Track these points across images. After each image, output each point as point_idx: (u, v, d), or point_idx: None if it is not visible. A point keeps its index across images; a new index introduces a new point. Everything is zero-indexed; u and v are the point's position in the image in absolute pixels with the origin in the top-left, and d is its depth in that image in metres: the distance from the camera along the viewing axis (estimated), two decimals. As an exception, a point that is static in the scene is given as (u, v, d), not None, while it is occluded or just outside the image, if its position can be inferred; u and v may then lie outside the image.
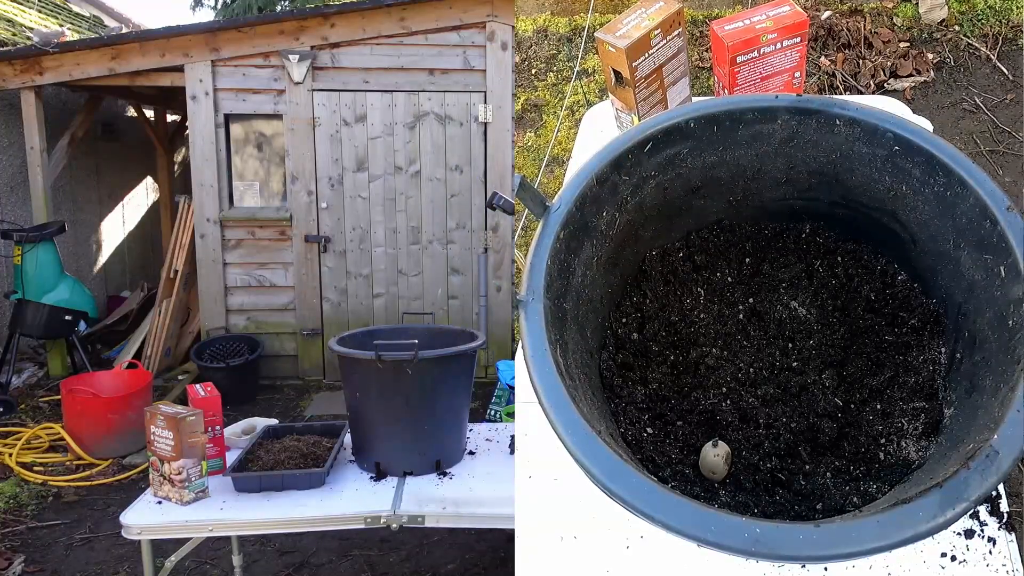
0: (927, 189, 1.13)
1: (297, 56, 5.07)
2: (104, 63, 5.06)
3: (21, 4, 7.04)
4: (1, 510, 3.43)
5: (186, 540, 2.19)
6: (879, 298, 1.30)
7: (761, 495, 1.13)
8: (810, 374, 1.26)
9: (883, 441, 1.16)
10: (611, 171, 1.16)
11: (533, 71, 5.02)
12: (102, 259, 6.89)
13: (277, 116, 5.25)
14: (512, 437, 2.45)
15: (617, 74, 1.69)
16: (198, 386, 2.21)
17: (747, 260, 1.39)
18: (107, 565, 3.01)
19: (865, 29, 4.62)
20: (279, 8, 10.63)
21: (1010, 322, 0.99)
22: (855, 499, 1.09)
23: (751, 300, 1.36)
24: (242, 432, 2.44)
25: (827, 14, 4.71)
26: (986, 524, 1.10)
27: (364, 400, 2.16)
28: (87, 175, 6.61)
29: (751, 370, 1.28)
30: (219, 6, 11.18)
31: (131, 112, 6.95)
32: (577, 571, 1.14)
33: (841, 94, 3.55)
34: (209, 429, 2.13)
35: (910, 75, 4.49)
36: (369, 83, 5.21)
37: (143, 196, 7.69)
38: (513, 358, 3.53)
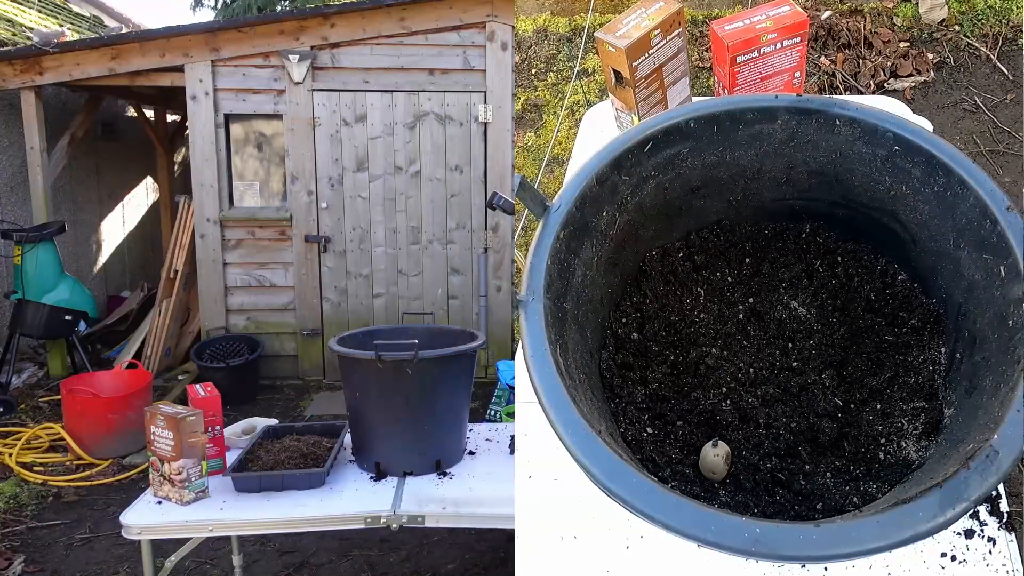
0: (927, 189, 1.13)
1: (297, 56, 5.07)
2: (104, 63, 5.06)
3: (21, 4, 7.04)
4: (1, 510, 3.43)
5: (186, 540, 2.19)
6: (879, 298, 1.30)
7: (761, 495, 1.13)
8: (810, 374, 1.26)
9: (883, 441, 1.16)
10: (611, 171, 1.16)
11: (533, 71, 5.02)
12: (102, 259, 6.89)
13: (277, 116, 5.25)
14: (512, 437, 2.45)
15: (617, 74, 1.69)
16: (198, 386, 2.21)
17: (747, 260, 1.39)
18: (107, 565, 3.01)
19: (865, 29, 4.62)
20: (279, 8, 10.63)
21: (1010, 322, 0.99)
22: (855, 499, 1.09)
23: (751, 300, 1.36)
24: (242, 432, 2.44)
25: (827, 14, 4.71)
26: (986, 524, 1.10)
27: (364, 400, 2.16)
28: (87, 175, 6.61)
29: (751, 370, 1.28)
30: (219, 6, 11.18)
31: (131, 112, 6.95)
32: (577, 571, 1.14)
33: (841, 94, 3.55)
34: (209, 429, 2.13)
35: (910, 75, 4.49)
36: (369, 83, 5.21)
37: (143, 196, 7.69)
38: (513, 358, 3.53)
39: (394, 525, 1.94)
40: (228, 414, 3.74)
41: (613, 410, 1.19)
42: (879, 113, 1.16)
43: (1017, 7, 4.58)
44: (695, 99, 1.55)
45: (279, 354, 5.44)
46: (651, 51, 1.65)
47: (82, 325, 5.06)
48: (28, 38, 5.89)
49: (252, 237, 5.33)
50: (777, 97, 1.20)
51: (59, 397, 4.16)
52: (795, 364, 1.28)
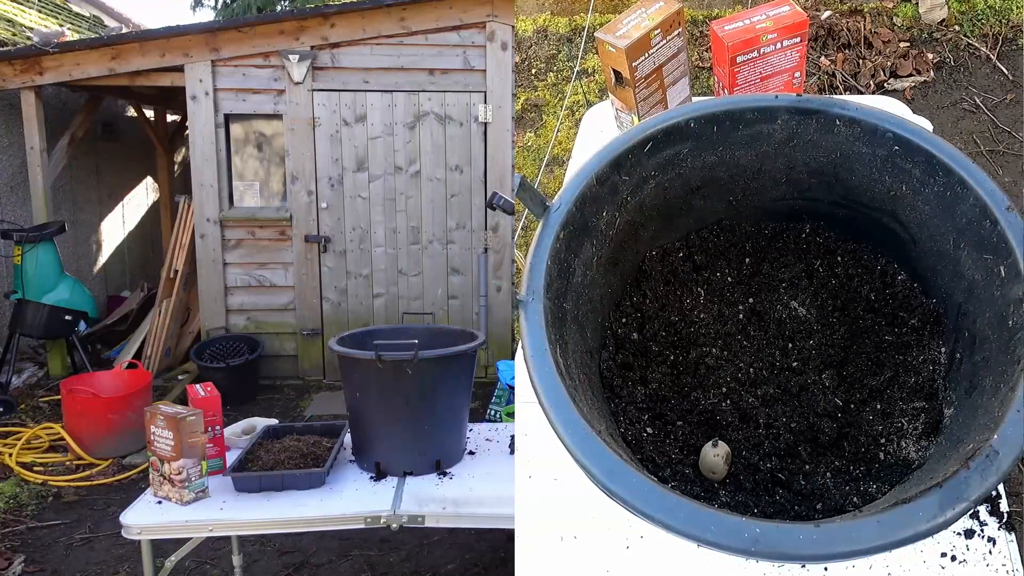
0: (927, 189, 1.13)
1: (297, 56, 5.07)
2: (104, 63, 5.06)
3: (21, 4, 7.04)
4: (1, 510, 3.43)
5: (186, 540, 2.19)
6: (879, 298, 1.30)
7: (761, 495, 1.13)
8: (810, 374, 1.26)
9: (883, 441, 1.16)
10: (611, 171, 1.16)
11: (533, 71, 5.02)
12: (102, 259, 6.89)
13: (277, 116, 5.25)
14: (512, 437, 2.45)
15: (617, 74, 1.69)
16: (198, 386, 2.21)
17: (747, 260, 1.39)
18: (107, 565, 3.01)
19: (865, 29, 4.62)
20: (279, 8, 10.63)
21: (1010, 322, 0.99)
22: (855, 499, 1.09)
23: (751, 300, 1.36)
24: (242, 432, 2.44)
25: (827, 14, 4.71)
26: (986, 524, 1.10)
27: (364, 400, 2.16)
28: (87, 175, 6.61)
29: (751, 370, 1.28)
30: (219, 6, 11.18)
31: (131, 112, 6.95)
32: (577, 571, 1.14)
33: (841, 94, 3.55)
34: (209, 429, 2.13)
35: (910, 75, 4.49)
36: (369, 83, 5.21)
37: (143, 196, 7.69)
38: (513, 358, 3.53)
39: (394, 525, 1.94)
40: (228, 414, 3.74)
41: (613, 410, 1.19)
42: (879, 113, 1.16)
43: (1017, 7, 4.58)
44: (695, 99, 1.55)
45: (279, 354, 5.44)
46: (651, 51, 1.65)
47: (82, 325, 5.06)
48: (28, 38, 5.89)
49: (252, 237, 5.33)
50: (777, 97, 1.20)
51: (59, 397, 4.16)
52: (795, 364, 1.28)
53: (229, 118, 5.25)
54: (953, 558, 1.09)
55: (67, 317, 4.90)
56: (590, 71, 4.84)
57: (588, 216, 1.15)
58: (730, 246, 1.39)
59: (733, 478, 1.15)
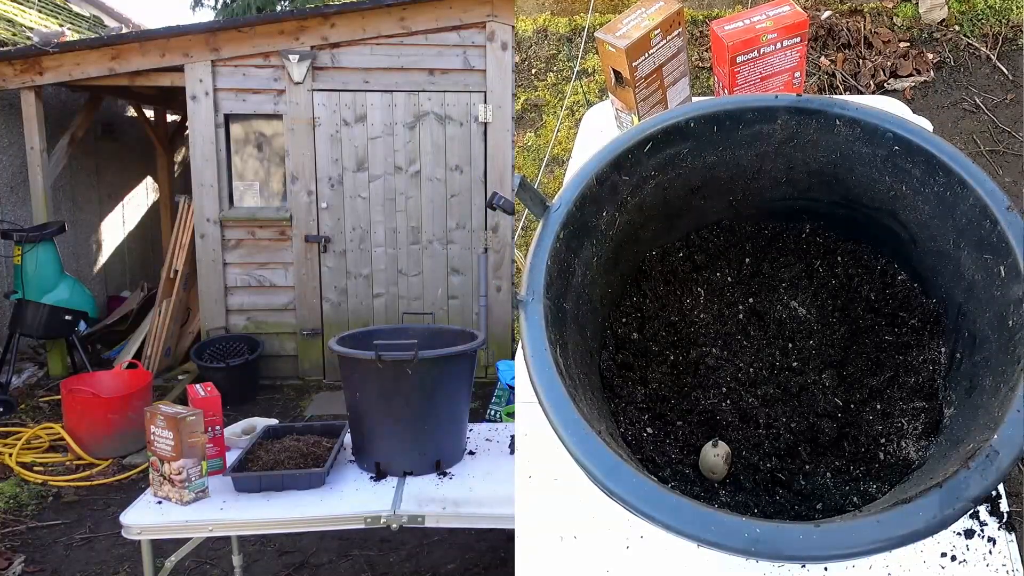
0: (927, 189, 1.13)
1: (297, 56, 5.07)
2: (104, 63, 5.06)
3: (21, 4, 7.04)
4: (1, 510, 3.43)
5: (186, 540, 2.19)
6: (879, 298, 1.30)
7: (761, 495, 1.13)
8: (810, 374, 1.26)
9: (883, 441, 1.16)
10: (611, 171, 1.16)
11: (533, 71, 5.02)
12: (102, 259, 6.89)
13: (277, 116, 5.25)
14: (512, 437, 2.45)
15: (617, 74, 1.69)
16: (198, 386, 2.21)
17: (747, 260, 1.39)
18: (107, 565, 3.01)
19: (865, 29, 4.62)
20: (279, 8, 10.63)
21: (1010, 322, 0.99)
22: (855, 499, 1.09)
23: (751, 300, 1.36)
24: (242, 432, 2.44)
25: (827, 14, 4.71)
26: (986, 524, 1.10)
27: (364, 400, 2.16)
28: (87, 175, 6.61)
29: (751, 370, 1.28)
30: (219, 6, 11.18)
31: (131, 112, 6.95)
32: (577, 571, 1.14)
33: (841, 94, 3.55)
34: (209, 429, 2.13)
35: (910, 75, 4.49)
36: (369, 83, 5.21)
37: (143, 196, 7.69)
38: (513, 358, 3.53)
39: (394, 525, 1.94)
40: (228, 414, 3.74)
41: (613, 410, 1.19)
42: (879, 113, 1.16)
43: (1017, 7, 4.58)
44: (695, 99, 1.55)
45: (279, 354, 5.44)
46: (651, 51, 1.65)
47: (82, 325, 5.06)
48: (28, 38, 5.89)
49: (252, 237, 5.33)
50: (777, 97, 1.20)
51: (59, 397, 4.16)
52: (795, 364, 1.28)
53: (229, 118, 5.25)
54: (953, 558, 1.09)
55: (67, 317, 4.90)
56: (590, 71, 4.84)
57: (588, 216, 1.15)
58: (730, 246, 1.39)
59: (733, 478, 1.15)
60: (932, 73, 4.48)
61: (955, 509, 0.83)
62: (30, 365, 5.34)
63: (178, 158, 7.46)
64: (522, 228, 4.22)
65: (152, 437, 2.00)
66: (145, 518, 1.92)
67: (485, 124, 5.27)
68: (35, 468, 3.86)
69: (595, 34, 1.67)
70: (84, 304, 5.05)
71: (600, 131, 1.92)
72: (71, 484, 3.73)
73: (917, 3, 4.70)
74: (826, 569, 1.10)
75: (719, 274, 1.38)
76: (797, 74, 1.78)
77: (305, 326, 5.40)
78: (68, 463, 3.95)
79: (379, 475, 2.15)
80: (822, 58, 4.58)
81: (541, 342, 0.99)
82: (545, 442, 1.25)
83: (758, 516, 1.07)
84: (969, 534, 1.10)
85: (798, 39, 1.71)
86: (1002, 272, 1.02)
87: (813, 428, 1.19)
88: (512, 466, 1.94)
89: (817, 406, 1.21)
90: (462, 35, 5.19)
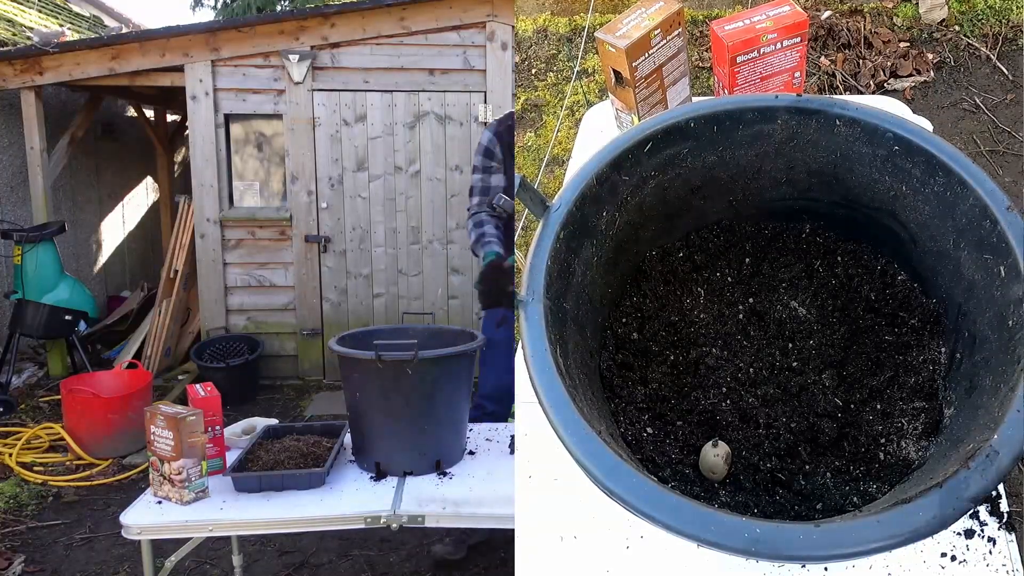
0: (927, 189, 1.13)
1: (297, 56, 5.07)
2: (104, 63, 5.06)
3: (21, 4, 7.04)
4: (1, 510, 3.43)
5: (186, 540, 2.18)
6: (879, 298, 1.30)
7: (761, 495, 1.13)
8: (810, 374, 1.26)
9: (883, 441, 1.16)
10: (611, 171, 1.16)
11: (533, 71, 5.02)
12: (102, 259, 6.89)
13: (277, 116, 5.25)
14: (512, 437, 2.45)
15: (617, 74, 1.69)
16: (198, 386, 2.21)
17: (747, 260, 1.39)
18: (107, 565, 3.01)
19: (865, 29, 4.62)
20: (279, 8, 10.63)
21: (1010, 322, 0.99)
22: (855, 499, 1.09)
23: (751, 300, 1.36)
24: (242, 432, 2.44)
25: (827, 14, 4.71)
26: (986, 524, 1.10)
27: (364, 400, 2.16)
28: (87, 175, 6.61)
29: (751, 370, 1.28)
30: (219, 6, 11.18)
31: (131, 112, 6.95)
32: (577, 571, 1.14)
33: (841, 94, 3.55)
34: (209, 429, 2.13)
35: (910, 75, 4.49)
36: (369, 83, 5.21)
37: (143, 196, 7.69)
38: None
39: (394, 525, 1.94)
40: (228, 414, 3.73)
41: (613, 410, 1.19)
42: (879, 113, 1.16)
43: (1017, 7, 4.58)
44: (695, 99, 1.55)
45: (279, 354, 5.44)
46: (651, 51, 1.65)
47: (82, 325, 5.06)
48: (28, 38, 5.89)
49: (252, 237, 5.33)
50: (777, 97, 1.20)
51: (59, 397, 4.16)
52: (795, 364, 1.28)
53: (229, 118, 5.25)
54: (953, 558, 1.09)
55: (67, 317, 4.90)
56: (590, 71, 4.84)
57: (588, 216, 1.15)
58: (730, 246, 1.39)
59: (733, 478, 1.15)
60: (932, 73, 4.48)
61: (955, 509, 0.83)
62: (30, 365, 5.34)
63: (178, 158, 7.46)
64: (522, 228, 4.22)
65: (152, 437, 2.00)
66: (145, 518, 1.92)
67: (485, 124, 5.26)
68: (35, 468, 3.86)
69: (595, 34, 1.67)
70: (84, 304, 5.05)
71: (600, 131, 1.92)
72: (71, 484, 3.73)
73: (917, 3, 4.70)
74: (826, 569, 1.10)
75: (719, 274, 1.38)
76: (797, 74, 1.78)
77: (305, 326, 5.40)
78: (68, 463, 3.95)
79: (379, 475, 2.15)
80: (822, 58, 4.58)
81: (541, 342, 0.99)
82: (545, 442, 1.25)
83: (758, 516, 1.07)
84: (969, 534, 1.10)
85: (798, 39, 1.71)
86: (1002, 272, 1.02)
87: (813, 428, 1.19)
88: (512, 466, 1.94)
89: (817, 406, 1.21)
90: (462, 35, 5.19)
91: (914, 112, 1.69)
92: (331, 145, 5.26)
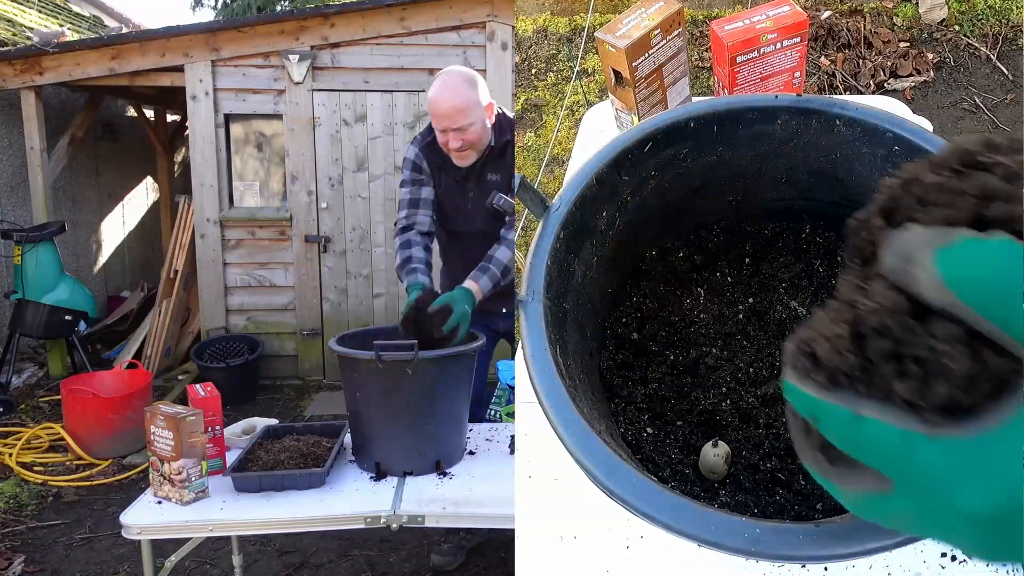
0: (927, 189, 1.12)
1: (297, 56, 5.07)
2: (104, 63, 5.06)
3: (21, 4, 7.04)
4: (1, 510, 3.43)
5: (186, 540, 2.19)
6: (879, 298, 1.29)
7: (761, 495, 1.13)
8: (810, 374, 1.26)
9: (883, 441, 1.15)
10: (611, 171, 1.16)
11: (533, 71, 5.02)
12: (102, 259, 6.89)
13: (277, 116, 5.25)
14: (512, 437, 2.45)
15: (617, 74, 1.69)
16: (198, 386, 2.21)
17: (747, 260, 1.39)
18: (107, 565, 3.01)
19: (865, 29, 4.62)
20: (279, 8, 10.63)
21: (1010, 322, 0.99)
22: (855, 499, 1.09)
23: (751, 300, 1.36)
24: (242, 432, 2.44)
25: (827, 14, 4.71)
26: (986, 524, 1.10)
27: (364, 400, 2.16)
28: (87, 175, 6.61)
29: (751, 370, 1.28)
30: (219, 6, 11.19)
31: (131, 112, 6.95)
32: (577, 571, 1.14)
33: (841, 94, 3.55)
34: (209, 429, 2.13)
35: (910, 75, 4.49)
36: (369, 83, 5.21)
37: (143, 196, 7.69)
38: (513, 358, 3.53)
39: (394, 525, 1.94)
40: (228, 414, 3.74)
41: (613, 410, 1.19)
42: (879, 113, 1.16)
43: (1017, 7, 4.58)
44: (695, 99, 1.55)
45: (279, 354, 5.44)
46: (651, 51, 1.65)
47: (82, 325, 5.06)
48: (28, 38, 5.89)
49: (252, 237, 5.33)
50: (777, 97, 1.20)
51: (59, 397, 4.16)
52: (795, 364, 1.28)
53: (229, 118, 5.25)
54: (953, 558, 1.09)
55: (67, 317, 4.90)
56: (590, 71, 4.84)
57: (588, 216, 1.15)
58: (730, 246, 1.39)
59: (733, 478, 1.15)
60: (932, 73, 4.48)
61: (955, 509, 0.83)
62: (30, 365, 5.34)
63: (178, 158, 7.46)
64: (522, 228, 4.22)
65: (152, 437, 2.00)
66: (145, 518, 1.92)
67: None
68: (35, 468, 3.86)
69: (595, 34, 1.67)
70: (84, 304, 5.05)
71: (600, 131, 1.92)
72: (71, 484, 3.73)
73: (917, 3, 4.70)
74: (826, 569, 1.10)
75: (719, 274, 1.38)
76: (797, 74, 1.78)
77: (305, 326, 5.40)
78: (68, 463, 3.95)
79: (379, 475, 2.15)
80: (822, 58, 4.58)
81: (541, 342, 0.99)
82: (545, 442, 1.25)
83: (758, 516, 1.07)
84: (969, 534, 1.09)
85: (798, 39, 1.71)
86: (1002, 272, 1.01)
87: (813, 428, 1.19)
88: (512, 466, 1.94)
89: (817, 406, 1.21)
90: (462, 35, 5.19)
91: (914, 112, 1.69)
92: (331, 145, 5.26)
